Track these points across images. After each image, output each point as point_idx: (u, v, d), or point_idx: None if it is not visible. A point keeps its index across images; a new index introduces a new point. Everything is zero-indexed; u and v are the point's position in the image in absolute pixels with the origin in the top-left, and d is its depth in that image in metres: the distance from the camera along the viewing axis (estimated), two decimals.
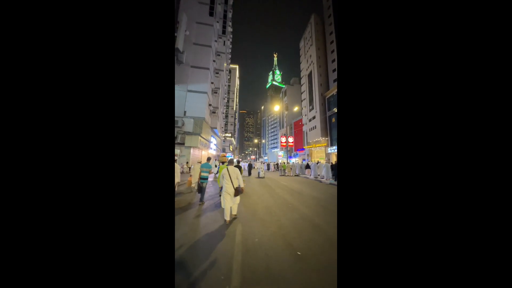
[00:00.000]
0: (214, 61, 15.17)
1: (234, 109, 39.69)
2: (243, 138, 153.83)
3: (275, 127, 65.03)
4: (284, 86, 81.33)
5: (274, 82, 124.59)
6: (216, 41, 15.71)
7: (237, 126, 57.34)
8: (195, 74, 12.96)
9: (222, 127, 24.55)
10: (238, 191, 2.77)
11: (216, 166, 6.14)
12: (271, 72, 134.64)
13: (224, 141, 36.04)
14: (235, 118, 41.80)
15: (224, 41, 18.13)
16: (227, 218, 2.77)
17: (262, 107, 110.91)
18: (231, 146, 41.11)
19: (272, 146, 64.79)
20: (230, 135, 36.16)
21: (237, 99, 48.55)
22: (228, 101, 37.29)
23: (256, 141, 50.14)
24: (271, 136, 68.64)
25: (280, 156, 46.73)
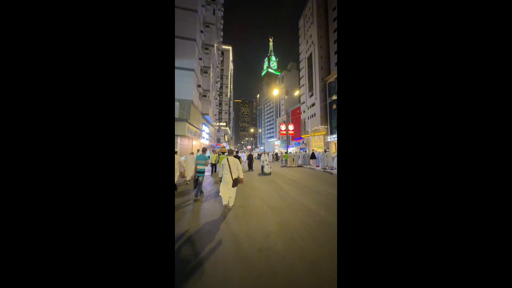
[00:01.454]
0: (202, 32, 12.53)
1: (229, 96, 36.84)
2: (239, 128, 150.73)
3: (271, 116, 63.01)
4: (280, 73, 77.56)
5: (269, 70, 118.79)
6: (203, 6, 12.87)
7: (232, 115, 54.74)
8: (178, 46, 10.49)
9: (216, 115, 22.33)
10: (236, 182, 2.69)
11: (209, 157, 5.30)
12: (266, 59, 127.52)
13: (218, 131, 33.85)
14: (229, 106, 39.07)
15: (214, 10, 15.14)
16: (225, 202, 2.78)
17: (258, 96, 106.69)
18: (226, 136, 39.05)
19: (269, 135, 63.27)
20: (224, 124, 33.95)
21: (231, 85, 45.24)
22: (221, 87, 34.32)
23: (252, 130, 48.00)
24: (267, 126, 66.83)
25: (277, 145, 45.51)
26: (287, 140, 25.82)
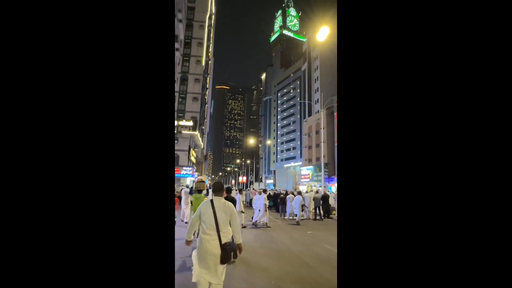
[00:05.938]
0: None
1: (203, 62, 33.03)
2: (222, 140, 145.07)
3: (292, 113, 59.09)
4: (304, 39, 76.24)
5: (285, 32, 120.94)
6: None
7: (208, 109, 50.62)
8: None
9: None
10: (227, 253, 2.60)
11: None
12: (279, 13, 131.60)
13: (175, 140, 28.54)
14: (203, 87, 34.67)
15: None
16: None
17: (263, 77, 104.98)
18: (193, 153, 33.73)
19: (286, 155, 58.60)
20: (191, 124, 29.03)
21: (211, 45, 42.00)
22: (189, 41, 30.53)
23: (251, 142, 43.43)
24: (281, 135, 62.72)
25: (305, 177, 39.99)
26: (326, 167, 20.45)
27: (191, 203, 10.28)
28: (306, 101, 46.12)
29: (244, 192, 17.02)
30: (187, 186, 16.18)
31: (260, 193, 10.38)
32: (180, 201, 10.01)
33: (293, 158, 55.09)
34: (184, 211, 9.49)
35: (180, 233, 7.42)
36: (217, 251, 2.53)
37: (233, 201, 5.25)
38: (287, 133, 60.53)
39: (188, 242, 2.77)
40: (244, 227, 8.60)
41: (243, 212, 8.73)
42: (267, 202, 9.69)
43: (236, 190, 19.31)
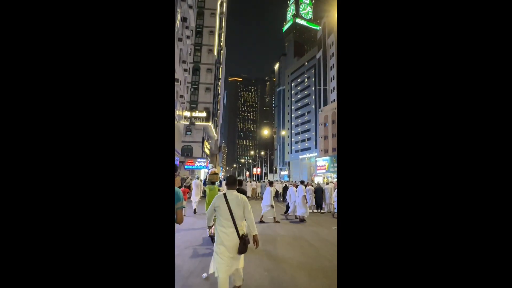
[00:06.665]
0: None
1: (215, 52, 32.61)
2: (236, 132, 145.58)
3: (307, 103, 57.64)
4: (318, 27, 73.99)
5: (298, 20, 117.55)
6: None
7: (221, 100, 50.18)
8: None
9: (178, 83, 16.71)
10: (245, 244, 2.68)
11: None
12: (292, 1, 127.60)
13: (189, 131, 28.26)
14: (216, 77, 33.99)
15: None
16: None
17: (276, 67, 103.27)
18: (207, 145, 33.40)
19: (302, 147, 57.90)
20: (205, 115, 28.69)
21: (223, 33, 41.12)
22: (200, 30, 29.78)
23: (265, 133, 42.55)
24: (296, 125, 61.97)
25: (321, 168, 39.07)
26: None
27: (203, 194, 10.18)
28: (322, 87, 44.71)
29: (276, 185, 16.11)
30: (197, 178, 15.91)
31: (296, 186, 9.65)
32: (190, 191, 10.34)
33: (308, 149, 54.02)
34: (193, 203, 9.74)
35: (191, 223, 7.87)
36: (236, 242, 2.61)
37: (244, 192, 5.24)
38: (302, 123, 59.41)
39: (210, 226, 3.13)
40: (277, 221, 8.22)
41: (273, 207, 8.23)
42: (306, 194, 9.00)
43: (252, 182, 18.76)
